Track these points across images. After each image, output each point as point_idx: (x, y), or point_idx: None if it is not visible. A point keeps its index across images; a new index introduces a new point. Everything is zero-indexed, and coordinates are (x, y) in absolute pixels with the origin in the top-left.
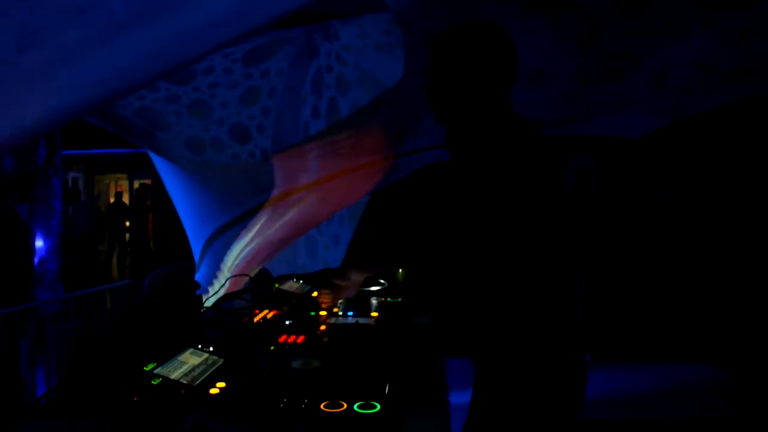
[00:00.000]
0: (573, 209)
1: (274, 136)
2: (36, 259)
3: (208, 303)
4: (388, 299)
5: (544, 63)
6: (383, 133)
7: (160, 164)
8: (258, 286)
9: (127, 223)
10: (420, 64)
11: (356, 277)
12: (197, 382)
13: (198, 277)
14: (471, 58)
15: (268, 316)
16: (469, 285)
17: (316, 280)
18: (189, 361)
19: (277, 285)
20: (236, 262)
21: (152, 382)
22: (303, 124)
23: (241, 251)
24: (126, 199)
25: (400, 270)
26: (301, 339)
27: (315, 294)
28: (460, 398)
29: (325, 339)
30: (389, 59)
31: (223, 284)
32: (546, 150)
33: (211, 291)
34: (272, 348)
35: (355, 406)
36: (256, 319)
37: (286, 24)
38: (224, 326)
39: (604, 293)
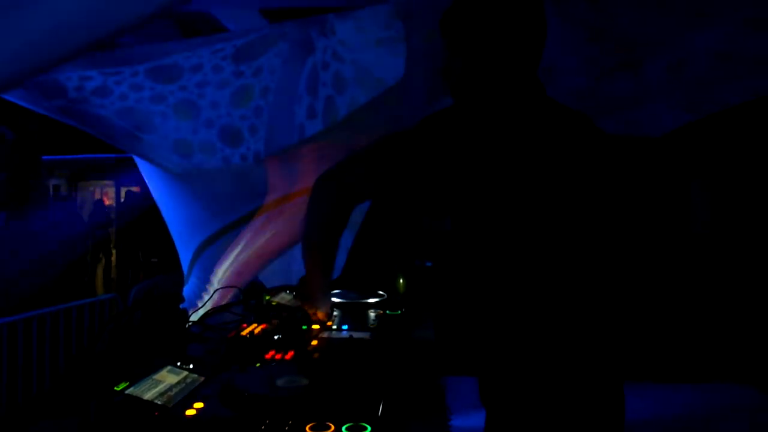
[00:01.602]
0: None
1: (267, 138)
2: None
3: (195, 317)
4: (387, 311)
5: (556, 57)
6: (384, 134)
7: (146, 169)
8: (248, 298)
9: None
10: (423, 60)
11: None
12: (173, 402)
13: (186, 289)
14: (499, 24)
15: (256, 330)
16: (477, 286)
17: None
18: (166, 380)
19: (267, 297)
20: (227, 274)
21: (122, 402)
22: (298, 126)
23: (233, 261)
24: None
25: (401, 280)
26: (289, 355)
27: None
28: (462, 421)
29: (316, 355)
30: (390, 55)
31: (210, 297)
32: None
33: (200, 304)
34: (258, 365)
35: (343, 428)
36: (242, 334)
37: (279, 19)
38: (208, 342)
39: (628, 309)
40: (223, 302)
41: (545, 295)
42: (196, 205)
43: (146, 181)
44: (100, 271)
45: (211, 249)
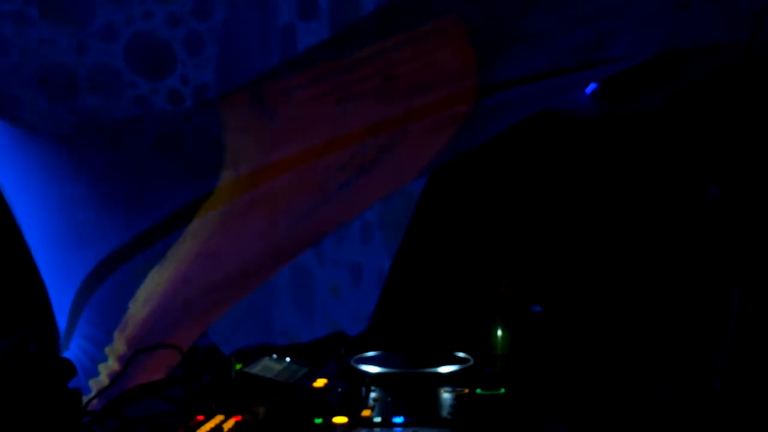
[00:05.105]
0: None
1: (220, 60)
2: None
3: (95, 404)
4: (478, 390)
5: None
6: (453, 45)
7: None
8: (196, 370)
9: None
10: None
11: None
12: None
13: (68, 356)
14: None
15: (226, 426)
16: None
17: (318, 355)
18: None
19: (238, 366)
20: (147, 326)
21: None
22: (282, 32)
23: (158, 302)
24: None
25: (499, 332)
26: None
27: (319, 383)
28: None
29: None
30: None
31: (123, 370)
32: None
33: (95, 386)
34: None
35: None
36: None
37: None
38: None
39: None
40: (149, 377)
41: None
42: (84, 194)
43: None
44: None
45: (113, 281)
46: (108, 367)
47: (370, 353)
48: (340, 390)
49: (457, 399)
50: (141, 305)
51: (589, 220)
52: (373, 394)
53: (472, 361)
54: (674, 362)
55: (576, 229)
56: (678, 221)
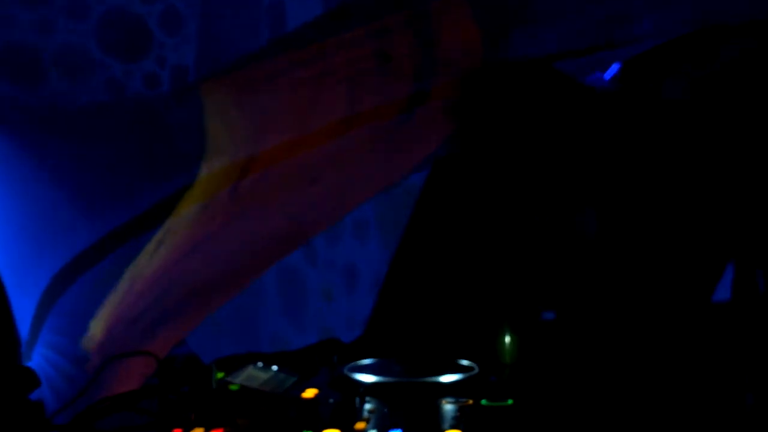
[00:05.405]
0: None
1: (201, 39)
2: None
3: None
4: (483, 402)
5: None
6: (457, 25)
7: None
8: (173, 380)
9: None
10: None
11: None
12: None
13: (32, 366)
14: None
15: None
16: None
17: (308, 363)
18: None
19: (220, 375)
20: (117, 333)
21: None
22: (269, 9)
23: (131, 306)
24: None
25: (507, 338)
26: None
27: (309, 393)
28: None
29: None
30: None
31: (94, 379)
32: None
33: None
34: None
35: None
36: None
37: None
38: None
39: None
40: (121, 388)
41: None
42: (51, 189)
43: None
44: None
45: (81, 284)
46: (74, 379)
47: (365, 361)
48: (331, 401)
49: (461, 411)
50: (113, 309)
51: (606, 217)
52: (367, 406)
53: (476, 370)
54: (696, 373)
55: (591, 226)
56: (703, 217)
